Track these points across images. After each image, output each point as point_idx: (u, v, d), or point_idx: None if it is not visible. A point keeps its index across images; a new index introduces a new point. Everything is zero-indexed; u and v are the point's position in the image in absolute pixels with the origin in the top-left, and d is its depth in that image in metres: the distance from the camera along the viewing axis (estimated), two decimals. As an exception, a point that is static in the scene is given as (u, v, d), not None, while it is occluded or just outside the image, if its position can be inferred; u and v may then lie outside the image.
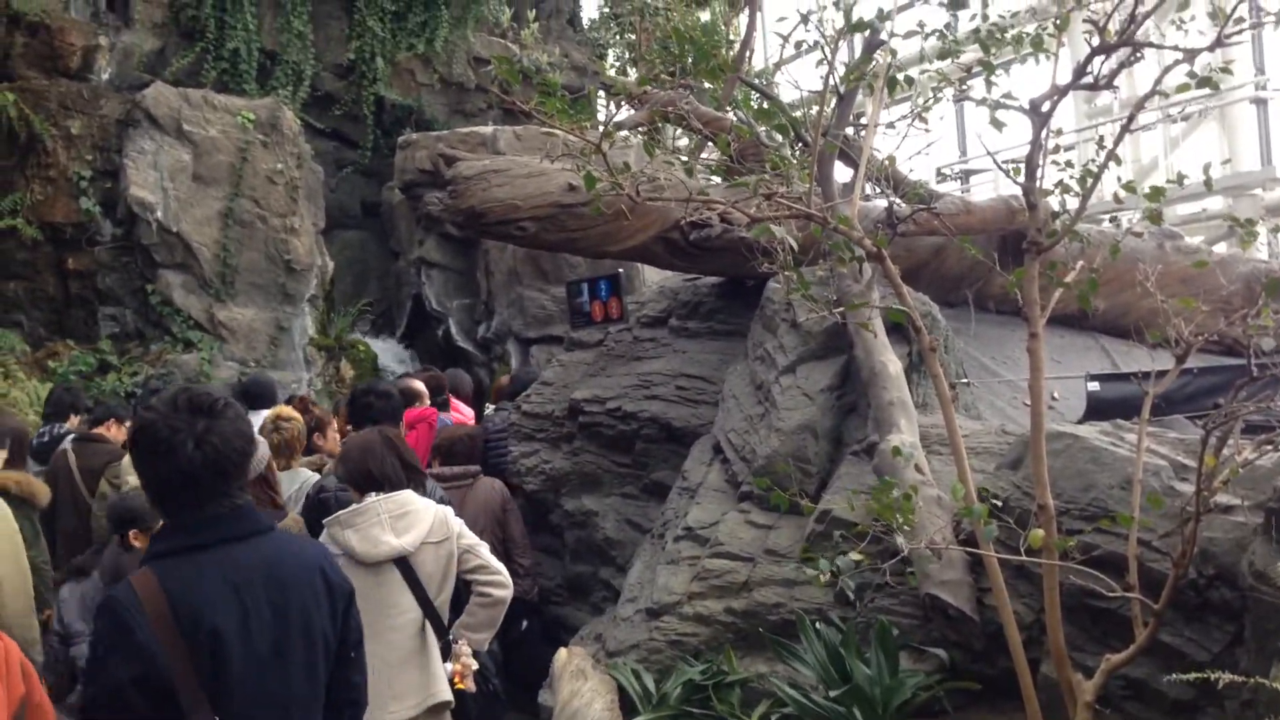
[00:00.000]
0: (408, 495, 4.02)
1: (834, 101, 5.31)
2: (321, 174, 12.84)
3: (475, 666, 4.03)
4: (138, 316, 11.54)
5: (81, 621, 4.13)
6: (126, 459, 6.01)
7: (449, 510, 4.15)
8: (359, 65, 13.73)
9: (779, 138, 5.99)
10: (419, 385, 7.24)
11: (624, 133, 6.67)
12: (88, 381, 10.53)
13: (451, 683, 3.94)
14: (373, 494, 3.99)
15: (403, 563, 3.89)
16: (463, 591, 4.12)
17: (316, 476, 5.54)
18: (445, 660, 3.97)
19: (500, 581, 4.06)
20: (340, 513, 4.00)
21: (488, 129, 12.49)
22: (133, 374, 10.88)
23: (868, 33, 4.61)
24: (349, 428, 5.66)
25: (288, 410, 5.90)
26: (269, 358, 11.65)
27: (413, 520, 3.94)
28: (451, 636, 4.01)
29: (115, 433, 6.95)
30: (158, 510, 2.62)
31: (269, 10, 13.08)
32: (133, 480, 5.99)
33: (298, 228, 12.02)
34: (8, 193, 11.19)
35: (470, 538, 4.09)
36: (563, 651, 4.81)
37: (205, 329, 11.41)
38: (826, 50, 4.34)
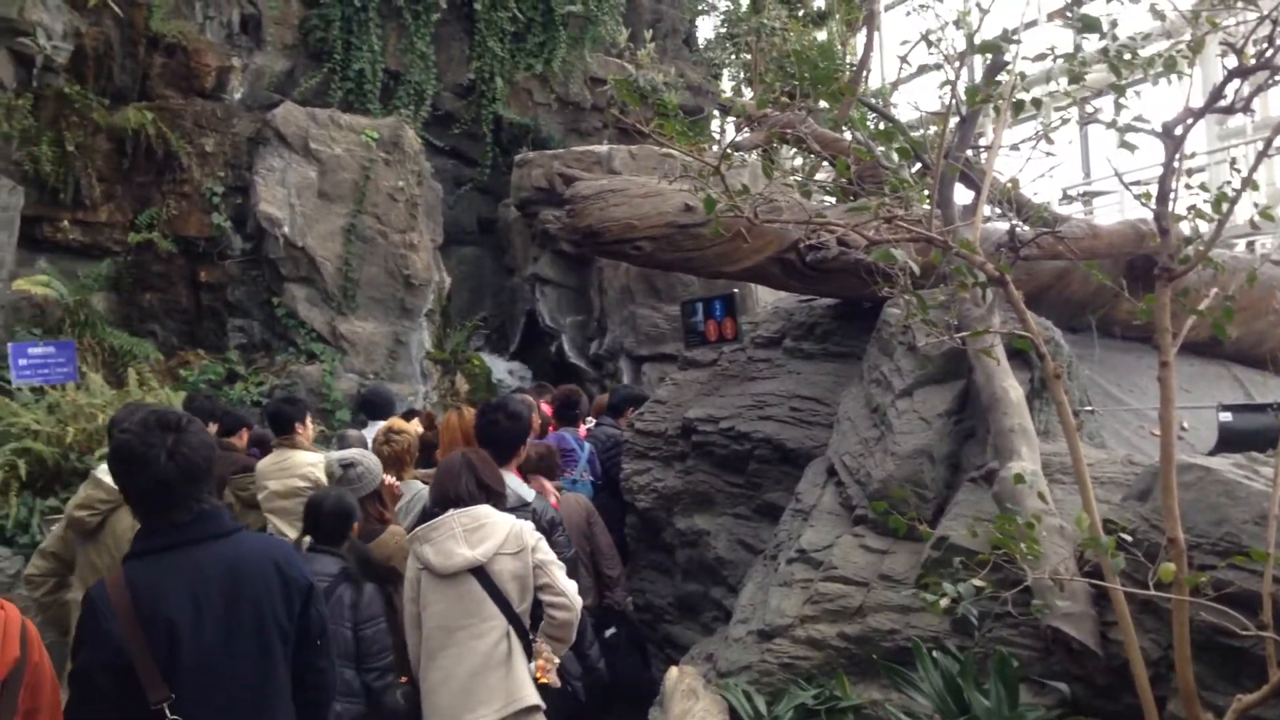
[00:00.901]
0: (483, 509, 4.10)
1: (955, 123, 5.25)
2: (440, 191, 13.13)
3: (557, 662, 4.10)
4: (264, 328, 11.93)
5: None
6: (261, 464, 6.20)
7: (528, 525, 4.21)
8: (478, 85, 14.02)
9: (897, 159, 5.95)
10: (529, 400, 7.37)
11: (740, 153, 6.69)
12: (216, 390, 10.92)
13: (535, 681, 4.01)
14: (451, 510, 4.09)
15: (480, 573, 3.97)
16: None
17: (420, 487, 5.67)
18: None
19: (563, 604, 4.10)
20: (418, 528, 4.11)
21: (603, 148, 12.65)
22: (259, 384, 11.25)
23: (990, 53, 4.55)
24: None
25: (399, 423, 6.03)
26: (387, 370, 11.93)
27: (487, 533, 4.02)
28: (533, 638, 4.08)
29: (244, 441, 7.19)
30: (136, 517, 2.96)
31: (393, 32, 13.44)
32: (270, 485, 6.17)
33: (417, 244, 12.31)
34: (145, 207, 11.68)
35: (545, 554, 4.15)
36: (674, 670, 4.81)
37: (327, 341, 11.74)
38: (949, 71, 4.31)
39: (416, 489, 5.70)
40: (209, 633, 2.78)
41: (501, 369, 13.02)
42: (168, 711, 2.67)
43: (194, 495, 2.86)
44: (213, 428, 6.99)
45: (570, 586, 4.16)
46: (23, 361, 9.42)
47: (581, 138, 14.55)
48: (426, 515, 4.37)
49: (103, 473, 4.43)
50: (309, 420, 6.31)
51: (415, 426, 6.35)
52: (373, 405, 8.18)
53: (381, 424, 6.37)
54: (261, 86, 12.93)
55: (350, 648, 4.25)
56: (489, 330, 13.86)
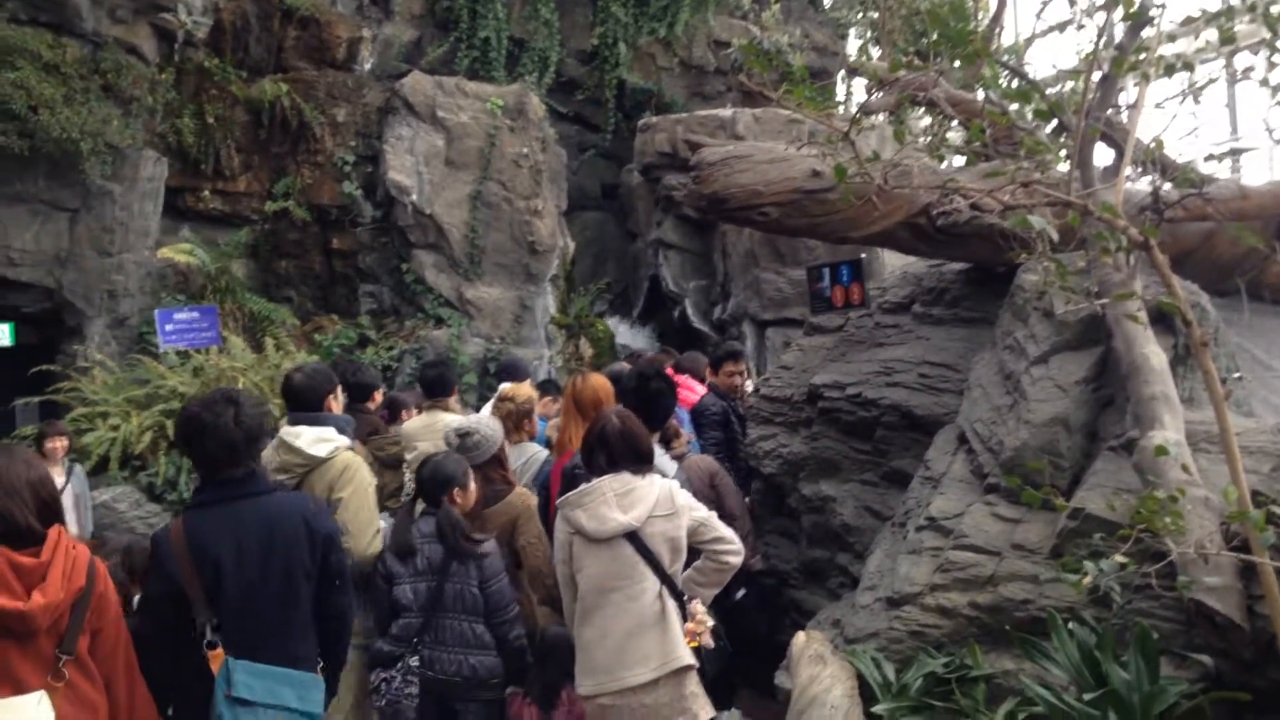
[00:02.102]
0: (629, 475, 4.15)
1: (1096, 79, 5.08)
2: (564, 157, 13.21)
3: (711, 623, 4.17)
4: (394, 294, 12.22)
5: (400, 565, 4.53)
6: (409, 425, 6.37)
7: (674, 484, 4.27)
8: (602, 50, 14.04)
9: (1033, 119, 5.79)
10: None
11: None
12: (348, 354, 11.23)
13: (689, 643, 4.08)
14: (601, 475, 4.15)
15: (634, 537, 4.03)
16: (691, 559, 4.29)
17: (546, 453, 5.75)
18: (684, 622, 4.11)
19: (735, 550, 4.24)
20: (569, 494, 4.18)
21: (727, 112, 12.56)
22: (389, 348, 11.53)
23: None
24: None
25: (509, 389, 6.13)
26: (512, 335, 12.11)
27: (638, 496, 4.08)
28: (686, 597, 4.13)
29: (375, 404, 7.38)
30: (199, 475, 3.65)
31: (518, 0, 13.52)
32: (420, 447, 6.34)
33: (541, 209, 12.43)
34: (281, 177, 12.04)
35: (702, 511, 4.24)
36: (801, 635, 4.82)
37: (454, 306, 11.97)
38: (1090, 27, 4.18)
39: (532, 452, 5.79)
40: (247, 569, 3.44)
41: (625, 334, 13.09)
42: (209, 631, 3.39)
43: (250, 455, 3.56)
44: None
45: (735, 535, 4.30)
46: (169, 327, 9.83)
47: (705, 101, 14.47)
48: (582, 478, 4.43)
49: (290, 435, 4.61)
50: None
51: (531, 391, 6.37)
52: (505, 366, 8.39)
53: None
54: (390, 56, 13.18)
55: (479, 604, 4.41)
56: (612, 295, 13.94)
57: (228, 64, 11.91)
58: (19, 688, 3.05)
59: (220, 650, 3.37)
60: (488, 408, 6.30)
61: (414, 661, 4.39)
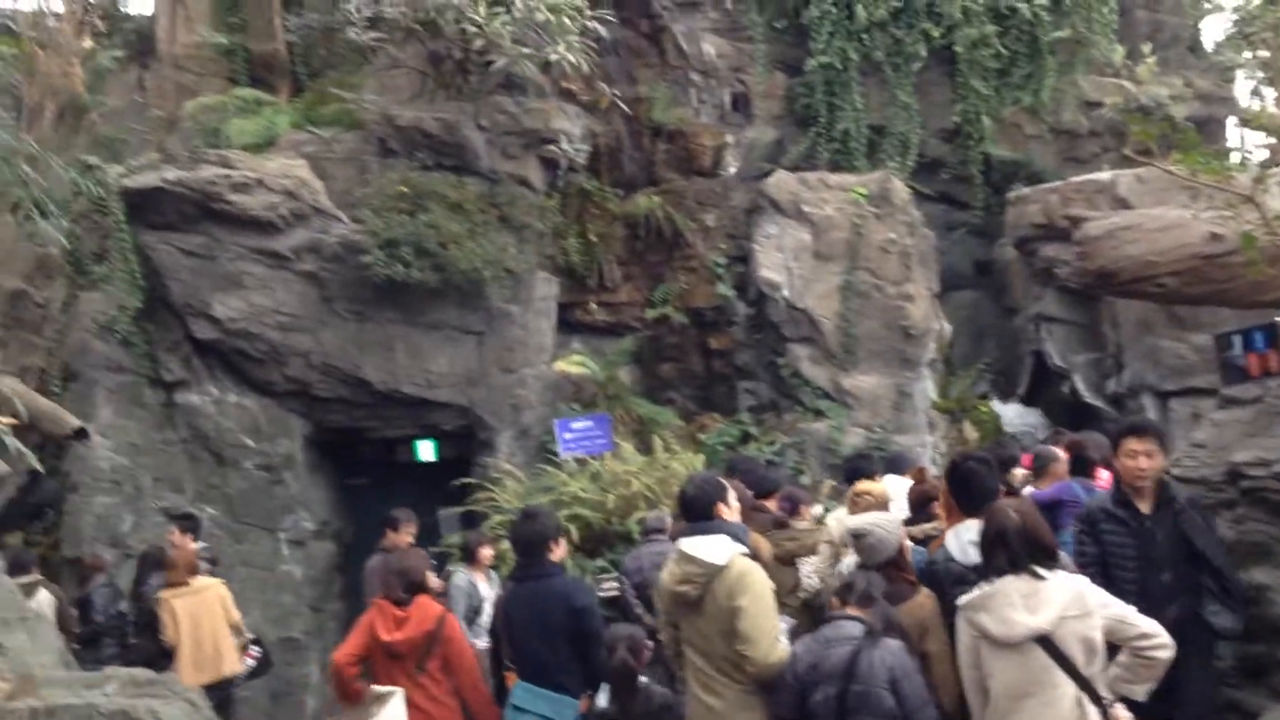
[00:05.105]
0: (1033, 574, 3.95)
1: None
2: (932, 238, 13.00)
3: None
4: (771, 389, 12.41)
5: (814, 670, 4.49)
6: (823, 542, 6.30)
7: (1085, 581, 4.03)
8: (964, 126, 13.78)
9: None
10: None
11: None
12: (731, 451, 11.47)
13: None
14: (1002, 576, 3.97)
15: (1045, 640, 3.83)
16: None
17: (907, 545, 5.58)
18: None
19: (1163, 643, 3.93)
20: (971, 596, 4.04)
21: (1105, 175, 11.95)
22: (770, 443, 11.69)
23: None
24: None
25: (864, 485, 6.03)
26: (892, 423, 11.95)
27: (1045, 598, 3.88)
28: (1106, 701, 3.89)
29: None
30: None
31: (874, 87, 13.60)
32: (788, 547, 6.35)
33: (913, 294, 12.28)
34: (658, 284, 12.65)
35: (1116, 607, 3.97)
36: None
37: (832, 397, 11.97)
38: None
39: None
40: (527, 625, 5.45)
41: (1011, 414, 12.58)
42: (507, 662, 5.63)
43: (533, 551, 5.56)
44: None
45: (1160, 628, 3.98)
46: (567, 435, 10.49)
47: (1079, 166, 13.80)
48: (938, 572, 4.28)
49: (687, 545, 4.75)
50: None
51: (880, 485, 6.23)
52: (893, 465, 8.27)
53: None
54: (753, 158, 13.59)
55: (889, 708, 4.21)
56: (993, 375, 13.46)
57: (604, 184, 12.73)
58: (394, 685, 5.36)
59: (513, 674, 5.42)
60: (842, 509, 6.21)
61: None
